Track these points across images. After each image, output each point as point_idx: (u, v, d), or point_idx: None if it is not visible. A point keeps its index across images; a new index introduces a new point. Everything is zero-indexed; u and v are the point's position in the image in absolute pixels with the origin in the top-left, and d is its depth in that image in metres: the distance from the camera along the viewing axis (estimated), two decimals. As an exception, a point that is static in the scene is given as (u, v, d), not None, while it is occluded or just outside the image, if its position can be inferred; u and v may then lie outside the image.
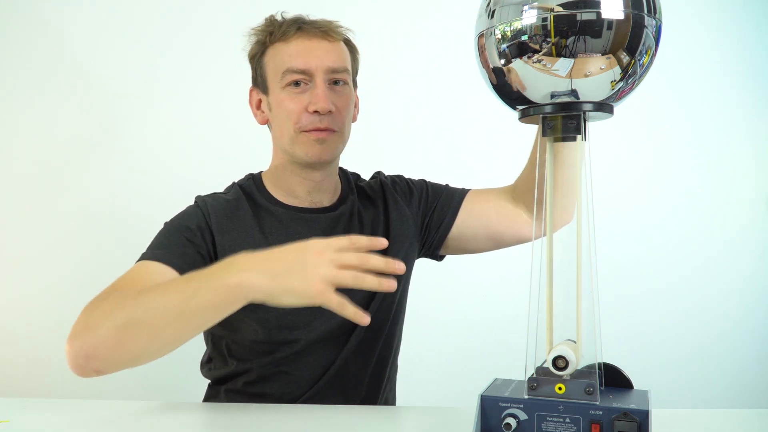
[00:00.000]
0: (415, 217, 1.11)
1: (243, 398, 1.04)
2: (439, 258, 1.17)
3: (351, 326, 1.05)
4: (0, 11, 1.88)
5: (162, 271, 0.91)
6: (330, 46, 1.00)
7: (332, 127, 1.00)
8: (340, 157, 1.10)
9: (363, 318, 0.74)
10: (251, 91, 1.07)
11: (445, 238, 1.11)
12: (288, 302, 0.73)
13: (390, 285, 0.74)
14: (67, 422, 0.90)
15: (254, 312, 0.98)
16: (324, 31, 1.00)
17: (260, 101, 1.06)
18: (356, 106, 1.10)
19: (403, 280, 1.12)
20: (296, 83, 0.99)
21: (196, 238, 0.98)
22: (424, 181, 1.17)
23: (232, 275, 0.73)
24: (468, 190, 1.13)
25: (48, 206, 1.89)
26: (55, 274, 1.89)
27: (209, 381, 1.12)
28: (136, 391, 1.89)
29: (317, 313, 1.02)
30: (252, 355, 1.03)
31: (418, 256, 1.16)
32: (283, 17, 1.03)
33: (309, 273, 0.72)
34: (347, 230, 1.07)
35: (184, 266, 0.93)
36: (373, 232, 1.08)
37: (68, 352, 0.79)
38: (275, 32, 1.01)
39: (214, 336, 1.07)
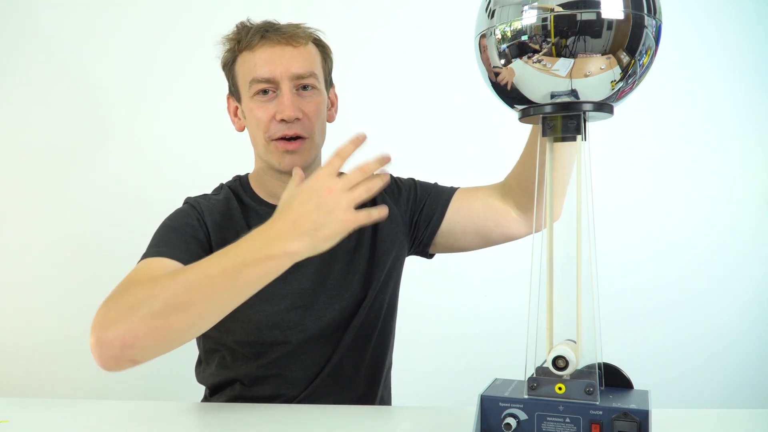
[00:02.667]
0: (403, 215, 1.12)
1: (239, 402, 1.04)
2: (429, 256, 1.17)
3: (343, 324, 1.05)
4: None
5: (171, 265, 0.90)
6: (295, 51, 1.00)
7: (301, 133, 1.00)
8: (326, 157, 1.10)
9: (381, 211, 0.79)
10: (228, 98, 1.09)
11: (433, 236, 1.11)
12: (330, 245, 0.77)
13: (385, 178, 0.80)
14: (67, 422, 0.90)
15: (244, 313, 0.99)
16: (288, 36, 0.99)
17: (237, 108, 1.07)
18: (333, 105, 1.10)
19: (394, 277, 1.12)
20: (264, 92, 1.00)
21: (198, 233, 0.99)
22: (413, 179, 1.17)
23: (274, 246, 0.76)
24: (456, 188, 1.13)
25: (47, 207, 1.89)
26: (55, 274, 1.90)
27: (205, 388, 1.12)
28: (136, 391, 1.89)
29: (308, 311, 1.02)
30: (245, 357, 1.03)
31: (408, 254, 1.16)
32: (250, 23, 1.03)
33: (335, 213, 0.76)
34: None
35: (190, 260, 0.91)
36: (361, 232, 1.09)
37: (98, 344, 0.77)
38: (242, 40, 1.01)
39: (205, 338, 1.07)
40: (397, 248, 1.11)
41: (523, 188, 1.04)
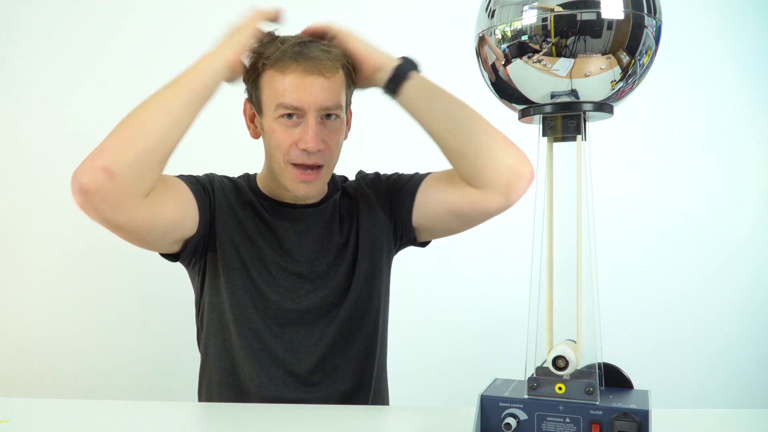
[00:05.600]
0: (383, 207, 1.14)
1: (229, 389, 1.07)
2: (421, 245, 1.19)
3: (325, 312, 1.08)
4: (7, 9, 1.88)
5: (180, 181, 1.02)
6: (326, 83, 0.99)
7: (320, 162, 1.02)
8: None
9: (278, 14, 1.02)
10: (246, 102, 1.08)
11: (410, 223, 1.12)
12: (248, 36, 0.99)
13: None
14: (67, 422, 0.90)
15: (232, 282, 1.05)
16: (321, 67, 0.98)
17: (254, 115, 1.07)
18: (348, 123, 1.11)
19: (382, 270, 1.14)
20: (289, 116, 1.00)
21: (206, 185, 1.07)
22: (396, 173, 1.19)
23: (205, 55, 0.97)
24: (429, 174, 1.14)
25: (47, 206, 1.89)
26: (55, 273, 1.90)
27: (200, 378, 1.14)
28: (136, 391, 1.89)
29: (288, 292, 1.06)
30: (238, 341, 1.06)
31: (400, 245, 1.18)
32: (279, 38, 1.01)
33: (246, 24, 0.99)
34: (328, 224, 1.11)
35: (196, 190, 1.03)
36: (350, 228, 1.12)
37: (75, 171, 0.87)
38: (271, 56, 0.99)
39: (207, 319, 1.10)
40: (380, 240, 1.13)
41: (448, 156, 1.05)
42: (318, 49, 0.99)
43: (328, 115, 1.01)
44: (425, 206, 1.10)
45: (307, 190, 1.03)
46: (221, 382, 1.08)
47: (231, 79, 0.99)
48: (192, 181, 1.05)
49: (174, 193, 0.98)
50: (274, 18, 1.02)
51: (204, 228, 1.04)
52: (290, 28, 1.05)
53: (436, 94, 1.04)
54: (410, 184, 1.13)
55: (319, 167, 1.02)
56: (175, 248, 1.03)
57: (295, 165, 1.01)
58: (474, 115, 1.03)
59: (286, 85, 0.98)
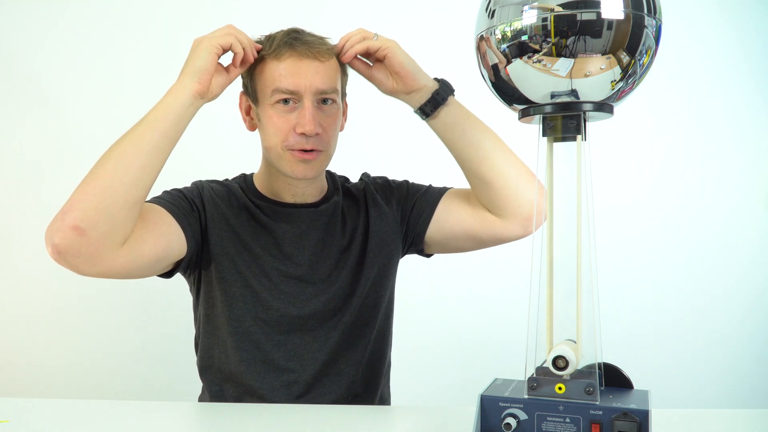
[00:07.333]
0: (395, 214, 1.13)
1: (231, 388, 1.07)
2: (427, 255, 1.19)
3: (329, 317, 1.07)
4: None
5: (159, 209, 0.98)
6: (320, 66, 0.99)
7: (318, 147, 1.01)
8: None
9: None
10: (241, 96, 1.08)
11: (423, 235, 1.12)
12: (200, 64, 0.92)
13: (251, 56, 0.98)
14: (67, 422, 0.90)
15: (230, 293, 1.04)
16: (316, 51, 0.99)
17: (250, 107, 1.07)
18: (344, 115, 1.10)
19: (388, 275, 1.13)
20: (285, 101, 1.00)
21: (194, 200, 1.05)
22: (407, 181, 1.19)
23: (171, 88, 0.93)
24: (447, 189, 1.14)
25: (48, 207, 1.89)
26: (55, 274, 1.89)
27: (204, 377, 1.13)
28: (136, 391, 1.89)
29: (291, 298, 1.06)
30: (236, 348, 1.05)
31: (405, 253, 1.17)
32: (274, 34, 1.02)
33: (202, 45, 0.93)
34: (328, 226, 1.10)
35: (179, 212, 0.99)
36: (354, 231, 1.11)
37: (47, 229, 0.87)
38: (267, 47, 1.00)
39: (203, 328, 1.10)
40: (390, 247, 1.12)
41: (475, 186, 1.06)
42: (311, 36, 1.01)
43: (325, 100, 1.01)
44: (443, 223, 1.11)
45: (305, 170, 1.02)
46: (220, 393, 1.07)
47: (210, 100, 0.97)
48: (175, 201, 1.02)
49: (152, 227, 0.95)
50: (240, 51, 0.95)
51: (195, 246, 1.02)
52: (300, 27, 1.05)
53: (469, 122, 1.04)
54: (429, 196, 1.12)
55: (316, 151, 1.02)
56: (166, 270, 1.03)
57: (293, 151, 1.01)
58: (503, 146, 1.04)
59: (281, 70, 0.99)
